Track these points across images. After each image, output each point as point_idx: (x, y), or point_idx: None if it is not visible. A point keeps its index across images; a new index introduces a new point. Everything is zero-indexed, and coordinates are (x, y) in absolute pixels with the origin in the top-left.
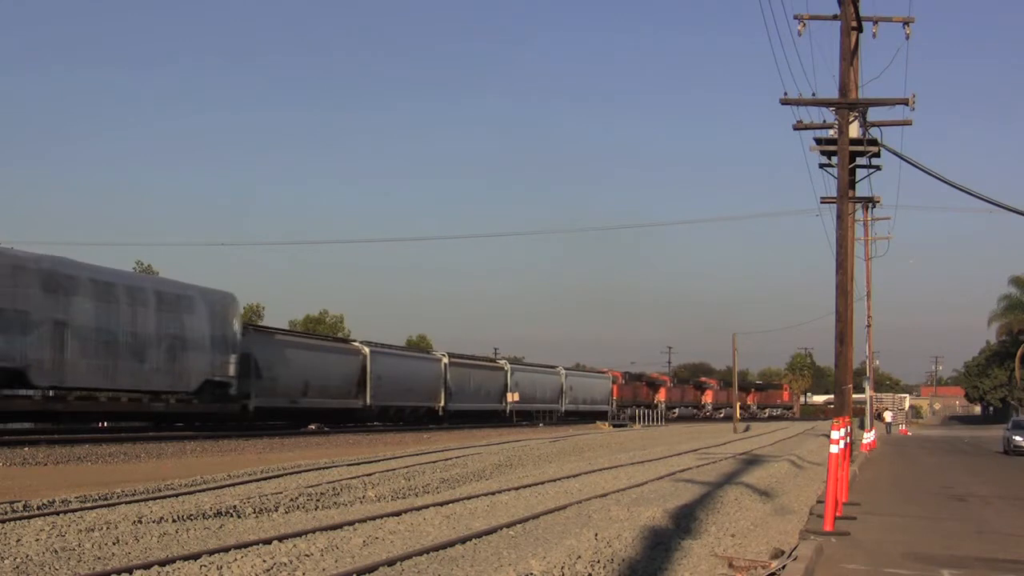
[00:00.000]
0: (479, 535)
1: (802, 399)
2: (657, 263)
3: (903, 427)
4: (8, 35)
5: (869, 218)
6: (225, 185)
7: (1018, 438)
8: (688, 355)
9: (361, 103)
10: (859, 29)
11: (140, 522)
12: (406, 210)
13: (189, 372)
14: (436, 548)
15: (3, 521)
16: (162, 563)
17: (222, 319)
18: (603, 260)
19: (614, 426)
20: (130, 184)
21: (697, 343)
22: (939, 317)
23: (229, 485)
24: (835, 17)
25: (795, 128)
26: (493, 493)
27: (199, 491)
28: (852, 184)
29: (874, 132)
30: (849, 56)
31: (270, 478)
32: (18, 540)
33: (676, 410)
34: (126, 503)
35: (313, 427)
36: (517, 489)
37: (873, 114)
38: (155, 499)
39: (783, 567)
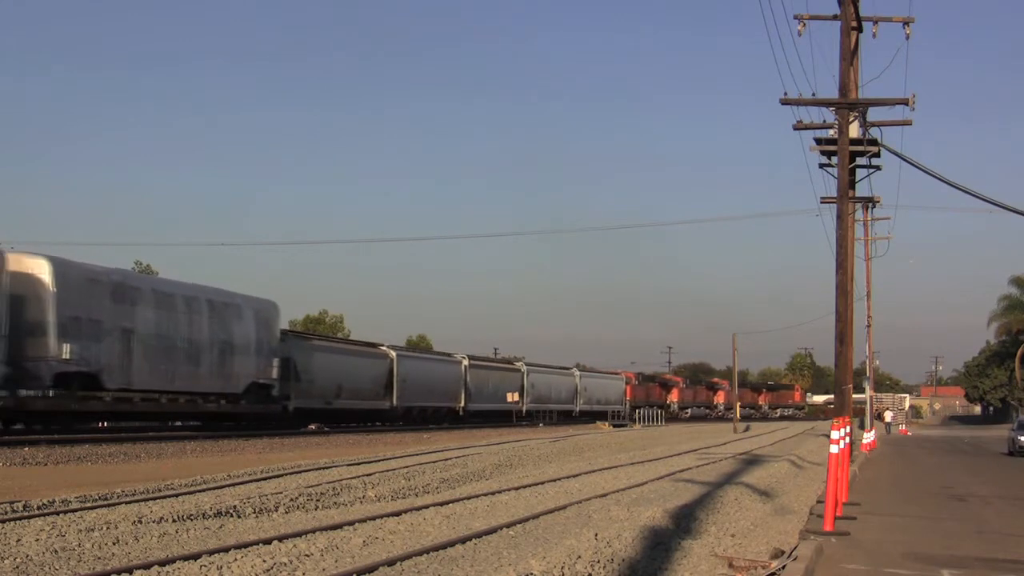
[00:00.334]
0: (479, 535)
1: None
2: (657, 263)
3: (903, 427)
4: (8, 35)
5: (869, 218)
6: (225, 185)
7: None
8: (688, 355)
9: (361, 103)
10: (859, 29)
11: (140, 522)
12: (406, 210)
13: (237, 375)
14: (436, 548)
15: (3, 521)
16: (162, 563)
17: (266, 325)
18: (603, 260)
19: (614, 426)
20: (130, 184)
21: (697, 343)
22: (939, 317)
23: (229, 485)
24: (835, 17)
25: (795, 128)
26: (493, 493)
27: (199, 491)
28: (852, 184)
29: (874, 132)
30: (849, 56)
31: (270, 478)
32: (18, 540)
33: (689, 410)
34: (126, 503)
35: (313, 427)
36: (517, 489)
37: (873, 114)
38: (155, 499)
39: (783, 567)
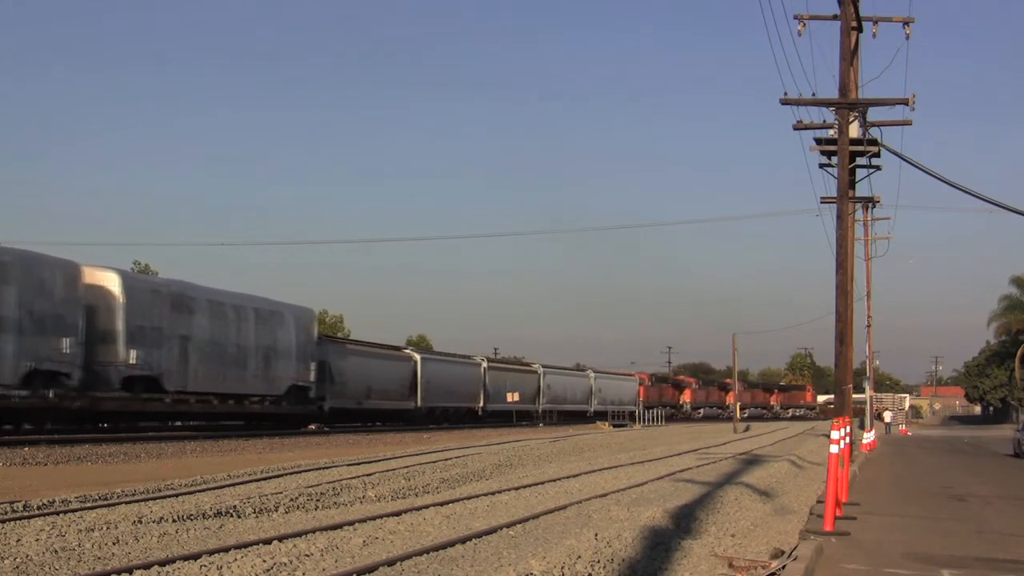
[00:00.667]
0: (479, 535)
1: None
2: (657, 263)
3: (903, 427)
4: (8, 35)
5: (869, 218)
6: (225, 185)
7: None
8: (688, 355)
9: (361, 103)
10: (859, 29)
11: (140, 522)
12: (406, 210)
13: (279, 378)
14: (436, 548)
15: (3, 521)
16: (162, 563)
17: (304, 331)
18: (603, 260)
19: (614, 426)
20: (130, 184)
21: (697, 343)
22: (939, 317)
23: (229, 485)
24: (835, 17)
25: (795, 128)
26: (493, 493)
27: (199, 491)
28: (852, 184)
29: (874, 132)
30: (849, 56)
31: (270, 478)
32: (18, 540)
33: (701, 410)
34: (126, 503)
35: (313, 427)
36: (517, 489)
37: (873, 114)
38: (155, 499)
39: (783, 567)
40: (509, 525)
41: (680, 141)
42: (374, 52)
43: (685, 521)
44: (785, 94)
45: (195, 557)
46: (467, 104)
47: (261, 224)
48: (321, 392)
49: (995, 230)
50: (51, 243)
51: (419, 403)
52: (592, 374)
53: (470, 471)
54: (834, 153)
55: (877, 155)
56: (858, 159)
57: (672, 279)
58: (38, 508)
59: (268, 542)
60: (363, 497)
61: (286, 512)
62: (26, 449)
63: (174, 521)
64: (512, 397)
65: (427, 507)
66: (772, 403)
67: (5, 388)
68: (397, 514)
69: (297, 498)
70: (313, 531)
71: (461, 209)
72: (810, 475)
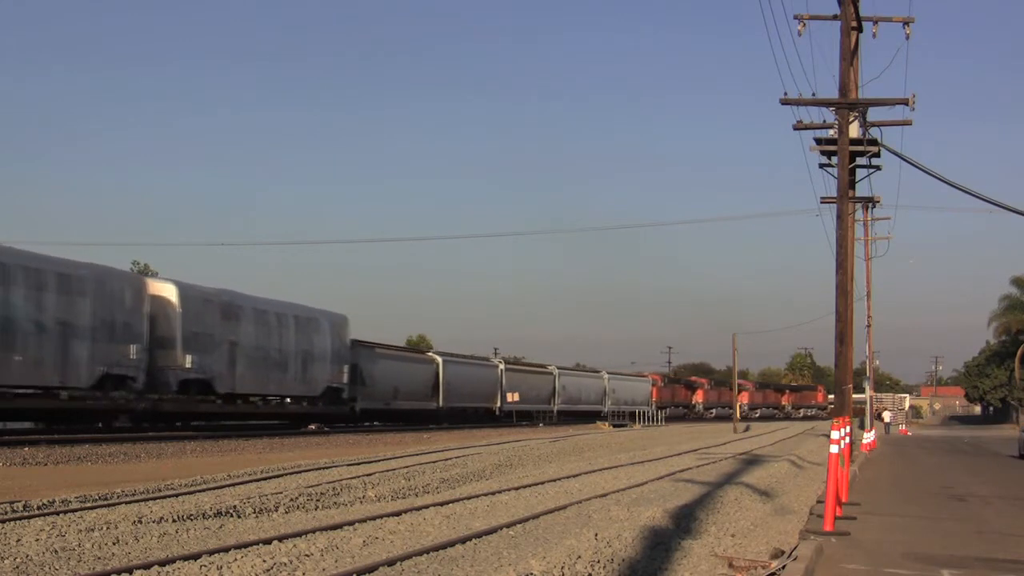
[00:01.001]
0: (479, 535)
1: None
2: (657, 263)
3: (903, 427)
4: (8, 35)
5: (869, 218)
6: (225, 185)
7: None
8: (688, 355)
9: (361, 103)
10: (859, 29)
11: (140, 522)
12: (406, 210)
13: (316, 380)
14: (436, 548)
15: (3, 521)
16: (162, 563)
17: (338, 336)
18: (603, 260)
19: (614, 426)
20: (130, 184)
21: (697, 343)
22: (939, 317)
23: (229, 485)
24: (835, 17)
25: (795, 128)
26: (493, 493)
27: (199, 491)
28: (852, 184)
29: (874, 132)
30: (849, 56)
31: (270, 478)
32: (18, 540)
33: (713, 410)
34: (126, 503)
35: (313, 427)
36: (517, 489)
37: (873, 114)
38: (155, 499)
39: (783, 567)
40: (509, 525)
41: (680, 141)
42: (374, 52)
43: (685, 521)
44: (785, 94)
45: (195, 557)
46: (467, 104)
47: (261, 224)
48: (353, 393)
49: (995, 230)
50: (52, 243)
51: (441, 403)
52: (606, 375)
53: (470, 471)
54: (834, 153)
55: (877, 155)
56: (858, 159)
57: (672, 279)
58: (38, 508)
59: (268, 542)
60: (363, 497)
61: (286, 512)
62: (26, 449)
63: (174, 521)
64: (512, 397)
65: (427, 507)
66: (784, 403)
67: (81, 391)
68: (397, 514)
69: (297, 498)
70: (313, 531)
71: (461, 209)
72: (810, 475)
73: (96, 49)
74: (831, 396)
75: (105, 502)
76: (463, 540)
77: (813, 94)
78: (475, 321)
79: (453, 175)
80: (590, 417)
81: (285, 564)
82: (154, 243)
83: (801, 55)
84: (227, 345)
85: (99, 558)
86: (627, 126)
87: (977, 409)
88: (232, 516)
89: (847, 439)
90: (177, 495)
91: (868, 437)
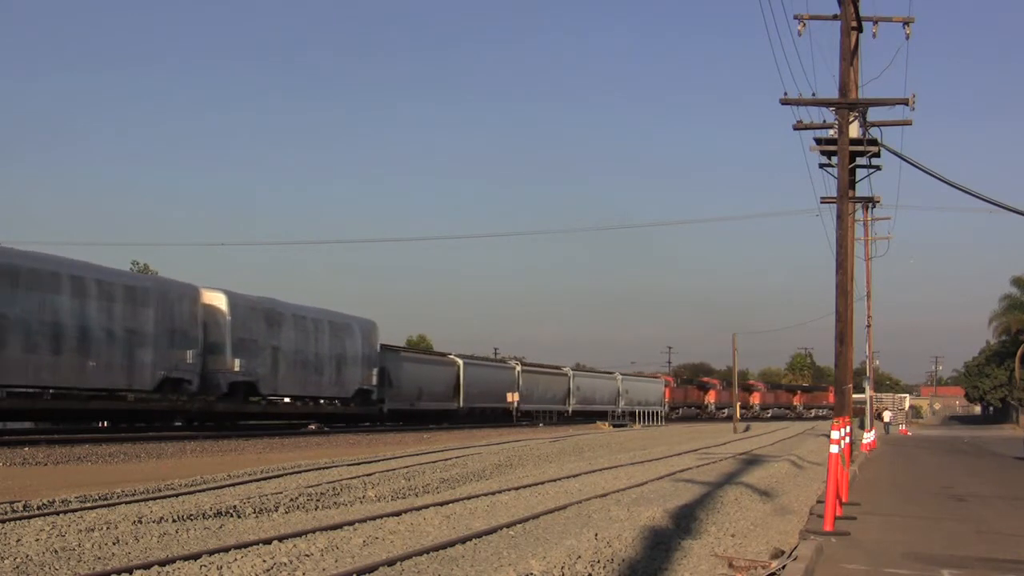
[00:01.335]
0: (479, 535)
1: None
2: (657, 263)
3: (903, 427)
4: (8, 35)
5: (869, 218)
6: (225, 185)
7: None
8: (688, 355)
9: (361, 103)
10: (859, 29)
11: (140, 522)
12: (406, 210)
13: (348, 382)
14: (436, 548)
15: (3, 521)
16: (162, 563)
17: (368, 341)
18: (603, 260)
19: (614, 426)
20: (130, 184)
21: (697, 343)
22: (939, 317)
23: (229, 485)
24: (835, 17)
25: (795, 128)
26: (493, 493)
27: (199, 491)
28: (852, 184)
29: (874, 132)
30: (849, 56)
31: (270, 478)
32: (18, 540)
33: (725, 410)
34: (126, 503)
35: (313, 427)
36: (517, 489)
37: (873, 114)
38: (155, 499)
39: (783, 567)
40: (509, 525)
41: (680, 141)
42: (375, 52)
43: (685, 521)
44: (785, 94)
45: (195, 557)
46: (467, 104)
47: (260, 224)
48: (381, 395)
49: (995, 230)
50: (52, 243)
51: (461, 404)
52: (619, 376)
53: (470, 471)
54: (834, 153)
55: (877, 155)
56: (858, 159)
57: (672, 279)
58: (38, 508)
59: (268, 542)
60: (363, 497)
61: (286, 512)
62: (26, 449)
63: (174, 521)
64: (512, 397)
65: (427, 507)
66: (795, 403)
67: (145, 393)
68: (397, 514)
69: (297, 498)
70: (313, 531)
71: (461, 209)
72: (810, 475)
73: (96, 49)
74: None
75: (105, 502)
76: (463, 540)
77: (813, 94)
78: (475, 321)
79: (453, 175)
80: (604, 417)
81: (285, 564)
82: (154, 243)
83: (801, 55)
84: (270, 350)
85: (99, 558)
86: (627, 126)
87: (977, 409)
88: (232, 516)
89: (847, 439)
90: (177, 495)
91: (868, 437)
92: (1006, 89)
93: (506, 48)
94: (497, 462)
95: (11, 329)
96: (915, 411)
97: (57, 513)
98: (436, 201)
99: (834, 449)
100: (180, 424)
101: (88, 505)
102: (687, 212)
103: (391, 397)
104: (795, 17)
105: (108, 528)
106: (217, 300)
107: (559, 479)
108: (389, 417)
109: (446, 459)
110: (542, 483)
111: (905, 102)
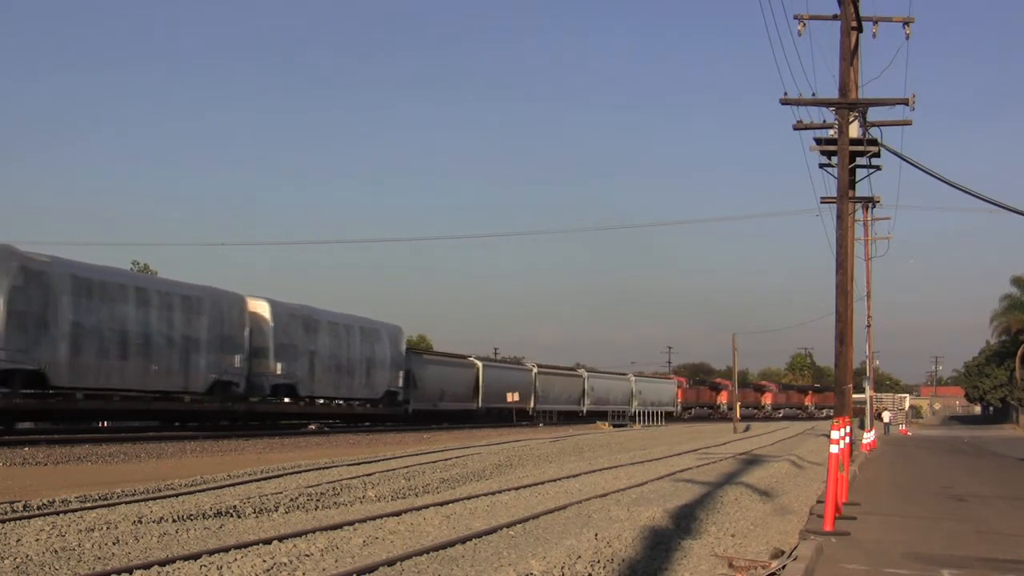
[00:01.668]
0: (479, 535)
1: None
2: (657, 263)
3: (903, 427)
4: (8, 35)
5: (869, 218)
6: (225, 185)
7: None
8: (688, 355)
9: (361, 103)
10: (859, 29)
11: (140, 522)
12: (406, 210)
13: (377, 384)
14: (436, 548)
15: (3, 521)
16: (162, 563)
17: (395, 345)
18: (603, 260)
19: (614, 426)
20: (130, 184)
21: (697, 343)
22: (939, 317)
23: (229, 485)
24: (835, 17)
25: (795, 128)
26: (493, 493)
27: (199, 491)
28: (852, 184)
29: (874, 132)
30: (849, 56)
31: (270, 478)
32: (18, 540)
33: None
34: (126, 503)
35: (313, 427)
36: (517, 489)
37: (873, 114)
38: (155, 499)
39: (783, 567)
40: (509, 525)
41: (680, 141)
42: (375, 52)
43: (685, 521)
44: (785, 94)
45: (195, 557)
46: (467, 104)
47: (260, 224)
48: (407, 396)
49: (995, 230)
50: (52, 243)
51: (480, 404)
52: (632, 377)
53: (470, 471)
54: (834, 153)
55: (877, 155)
56: (858, 159)
57: (672, 279)
58: (38, 508)
59: (268, 542)
60: (363, 497)
61: (286, 512)
62: (26, 449)
63: (174, 521)
64: (512, 397)
65: (427, 507)
66: (807, 403)
67: (199, 395)
68: (397, 514)
69: (297, 498)
70: (313, 531)
71: (461, 209)
72: (810, 475)
73: (96, 49)
74: None
75: (105, 502)
76: (463, 540)
77: (813, 94)
78: (475, 321)
79: (453, 175)
80: (619, 417)
81: (285, 564)
82: (153, 243)
83: (801, 55)
84: (308, 354)
85: (99, 558)
86: (627, 126)
87: (977, 409)
88: (232, 516)
89: (847, 439)
90: (177, 495)
91: (868, 437)
92: (1006, 89)
93: (506, 48)
94: (497, 462)
95: (86, 337)
96: (915, 411)
97: (57, 513)
98: (436, 201)
99: (834, 449)
100: (226, 423)
101: (88, 505)
102: (687, 212)
103: (415, 398)
104: (795, 17)
105: (108, 528)
106: (261, 308)
107: (559, 479)
108: (414, 417)
109: (446, 459)
110: (542, 483)
111: (905, 102)
